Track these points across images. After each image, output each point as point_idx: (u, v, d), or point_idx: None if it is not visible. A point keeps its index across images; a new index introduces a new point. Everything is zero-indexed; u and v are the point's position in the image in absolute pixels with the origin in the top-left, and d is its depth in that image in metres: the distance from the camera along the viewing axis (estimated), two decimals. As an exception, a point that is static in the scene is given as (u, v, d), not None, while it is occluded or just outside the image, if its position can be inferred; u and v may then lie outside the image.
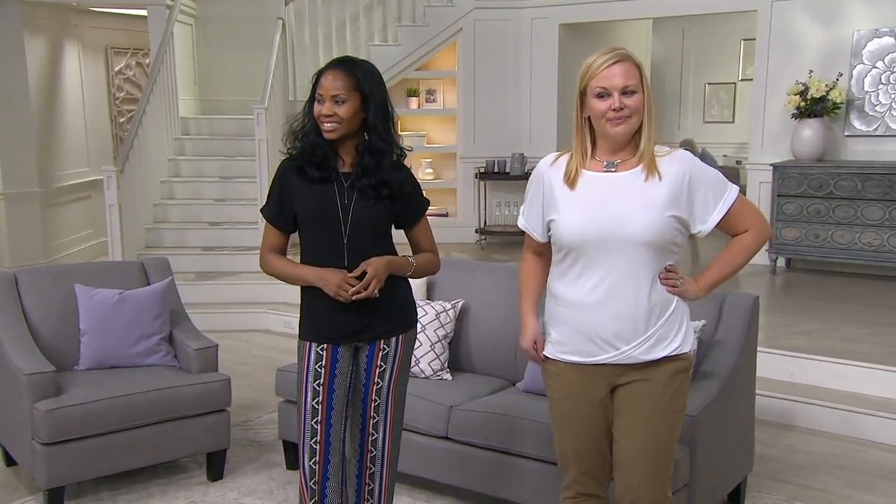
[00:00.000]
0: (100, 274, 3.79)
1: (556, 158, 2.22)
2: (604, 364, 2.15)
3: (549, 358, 2.25)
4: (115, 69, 9.11)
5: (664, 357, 2.13)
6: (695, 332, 2.90)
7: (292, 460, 3.63)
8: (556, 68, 7.65)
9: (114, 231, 6.17)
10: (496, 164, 7.67)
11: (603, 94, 2.05)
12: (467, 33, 7.77)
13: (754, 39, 6.92)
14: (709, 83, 9.96)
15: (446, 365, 3.49)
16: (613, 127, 2.06)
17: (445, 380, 3.44)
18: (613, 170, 2.11)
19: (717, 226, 2.14)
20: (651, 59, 9.32)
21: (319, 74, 2.31)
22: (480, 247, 7.79)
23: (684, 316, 2.18)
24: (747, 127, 8.97)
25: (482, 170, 7.74)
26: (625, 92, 2.04)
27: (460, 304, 3.58)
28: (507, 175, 7.65)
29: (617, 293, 2.09)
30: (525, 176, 7.54)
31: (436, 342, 3.45)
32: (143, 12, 7.70)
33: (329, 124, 2.26)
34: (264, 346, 5.66)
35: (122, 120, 9.24)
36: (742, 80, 9.65)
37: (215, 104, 8.38)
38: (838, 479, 3.50)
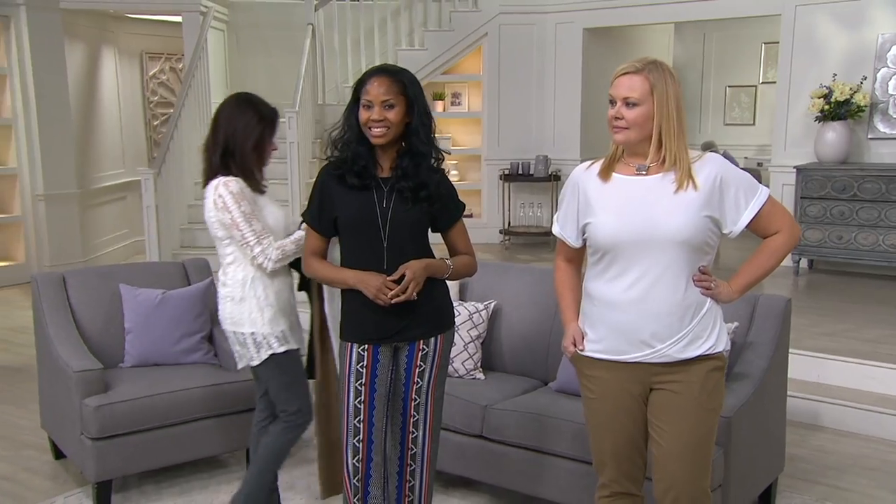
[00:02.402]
0: (143, 274, 3.82)
1: (591, 165, 2.25)
2: (639, 363, 2.15)
3: (584, 357, 2.24)
4: (150, 74, 9.20)
5: (698, 356, 2.13)
6: (728, 333, 2.88)
7: (329, 456, 3.65)
8: (579, 72, 7.63)
9: (151, 231, 6.22)
10: (520, 167, 7.66)
11: (611, 102, 2.11)
12: (492, 38, 7.76)
13: (775, 43, 6.86)
14: (730, 86, 9.88)
15: (479, 364, 3.49)
16: (614, 134, 2.12)
17: (478, 379, 3.44)
18: (644, 173, 2.11)
19: (748, 227, 2.13)
20: (673, 63, 9.26)
21: (363, 83, 2.30)
22: (504, 247, 7.78)
23: (718, 315, 2.18)
24: (768, 129, 8.90)
25: (506, 172, 7.73)
26: (627, 103, 2.07)
27: (493, 304, 3.57)
28: (531, 177, 7.63)
29: (652, 292, 2.10)
30: (548, 178, 7.54)
31: (469, 342, 3.45)
32: (178, 19, 7.75)
33: (378, 129, 2.26)
34: (296, 344, 5.68)
35: (155, 123, 9.32)
36: (763, 83, 9.57)
37: (246, 108, 8.43)
38: (869, 479, 3.46)
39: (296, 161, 6.73)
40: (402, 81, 2.27)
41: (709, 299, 2.14)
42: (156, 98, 9.31)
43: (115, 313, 3.62)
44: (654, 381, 2.17)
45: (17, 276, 7.52)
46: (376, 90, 2.25)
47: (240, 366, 2.84)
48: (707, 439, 2.18)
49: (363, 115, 2.28)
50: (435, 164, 2.36)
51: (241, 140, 2.72)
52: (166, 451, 3.33)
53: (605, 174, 2.17)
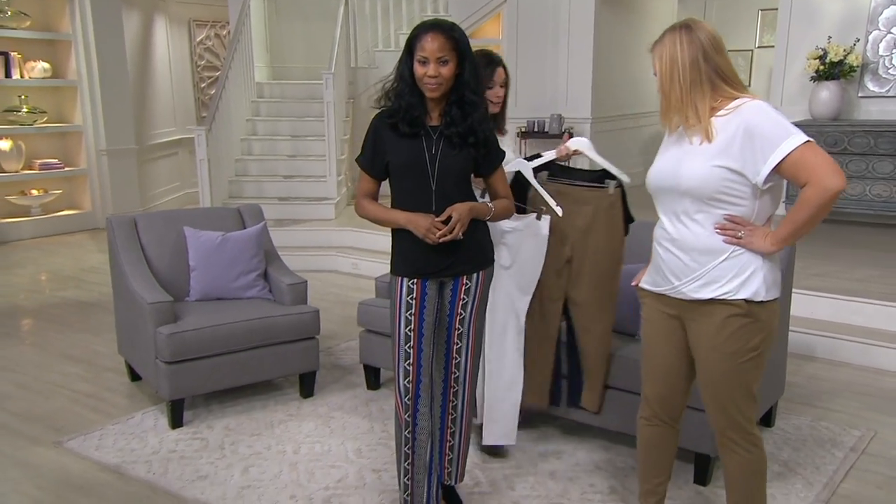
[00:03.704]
0: (204, 218, 3.81)
1: None
2: (666, 295, 2.11)
3: (639, 287, 2.24)
4: (197, 40, 9.09)
5: (713, 299, 2.00)
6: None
7: (372, 381, 3.68)
8: (591, 37, 7.42)
9: (204, 182, 6.21)
10: (536, 124, 7.53)
11: None
12: (511, 4, 7.57)
13: (771, 9, 6.64)
14: (728, 50, 9.59)
15: (508, 299, 3.48)
16: None
17: (508, 312, 3.43)
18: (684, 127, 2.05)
19: (783, 176, 1.94)
20: (676, 28, 9.03)
21: (417, 38, 2.21)
22: (521, 198, 7.71)
23: (749, 264, 1.98)
24: (763, 90, 8.69)
25: (524, 129, 7.61)
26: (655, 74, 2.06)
27: (520, 246, 3.54)
28: (545, 134, 7.51)
29: (673, 233, 2.05)
30: (562, 134, 7.41)
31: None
32: (223, -12, 7.62)
33: (433, 84, 2.20)
34: (335, 285, 5.70)
35: (202, 85, 9.24)
36: (759, 47, 9.32)
37: (285, 70, 8.34)
38: (857, 402, 3.45)
39: (332, 119, 6.67)
40: (455, 38, 2.20)
41: (737, 247, 1.99)
42: (202, 62, 9.21)
43: (181, 253, 3.63)
44: (683, 317, 2.11)
45: (85, 222, 7.57)
46: (431, 46, 2.17)
47: None
48: (726, 380, 2.04)
49: (419, 70, 2.20)
50: (485, 113, 2.30)
51: None
52: (229, 374, 3.36)
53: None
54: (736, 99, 1.99)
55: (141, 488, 2.80)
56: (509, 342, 2.88)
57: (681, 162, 2.01)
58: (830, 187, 1.87)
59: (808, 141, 1.89)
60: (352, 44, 7.71)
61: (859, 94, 6.14)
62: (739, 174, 1.95)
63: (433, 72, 2.18)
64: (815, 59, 6.00)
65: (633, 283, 2.28)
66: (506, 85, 2.87)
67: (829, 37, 6.02)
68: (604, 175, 2.82)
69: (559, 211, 2.79)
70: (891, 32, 5.95)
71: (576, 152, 2.84)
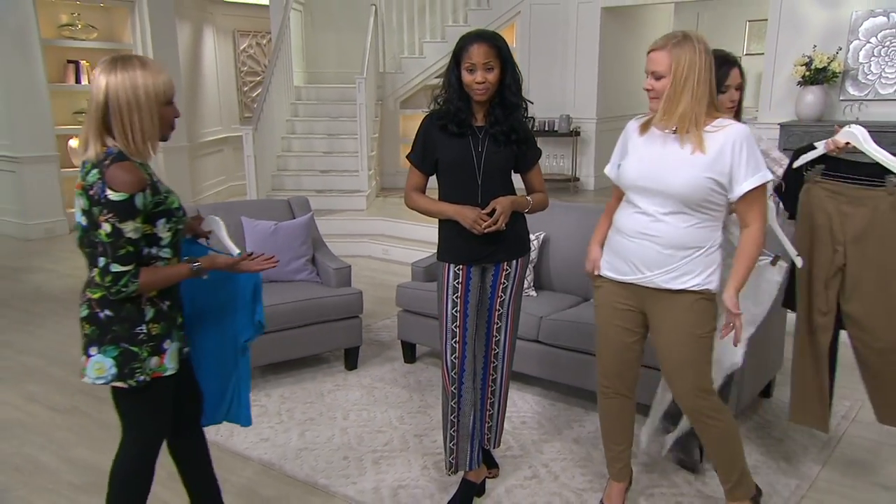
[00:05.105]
0: (258, 209, 3.82)
1: (640, 119, 2.14)
2: (632, 283, 2.09)
3: (596, 274, 2.21)
4: (240, 48, 9.04)
5: (682, 289, 2.01)
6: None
7: (409, 355, 3.68)
8: (597, 45, 7.36)
9: (251, 176, 6.21)
10: (546, 124, 7.48)
11: (646, 74, 2.01)
12: (524, 15, 7.49)
13: (759, 20, 6.53)
14: (718, 57, 9.49)
15: (532, 284, 3.47)
16: (650, 102, 2.01)
17: (532, 296, 3.42)
18: (673, 131, 2.00)
19: (739, 201, 1.94)
20: (671, 37, 8.91)
21: (463, 48, 2.18)
22: (531, 191, 7.66)
23: (716, 261, 2.03)
24: (752, 94, 8.58)
25: (535, 128, 7.54)
26: (655, 77, 1.96)
27: (542, 235, 3.53)
28: (555, 132, 7.46)
29: (650, 229, 2.02)
30: (570, 133, 7.37)
31: (523, 265, 3.41)
32: (265, 1, 7.58)
33: (481, 89, 2.17)
34: (369, 269, 5.70)
35: (245, 89, 9.21)
36: (747, 54, 9.18)
37: (320, 75, 8.30)
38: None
39: (363, 119, 6.63)
40: (498, 46, 2.17)
41: (705, 245, 2.00)
42: (245, 68, 9.18)
43: (239, 239, 3.62)
44: (646, 304, 2.10)
45: (143, 212, 7.57)
46: (478, 54, 2.14)
47: None
48: (696, 358, 2.05)
49: (467, 77, 2.17)
50: (525, 113, 2.28)
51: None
52: (283, 348, 3.38)
53: (644, 128, 2.08)
54: (717, 119, 1.96)
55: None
56: None
57: (672, 168, 1.97)
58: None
59: (771, 181, 1.93)
60: (380, 51, 7.66)
61: (841, 98, 6.04)
62: (723, 187, 1.95)
63: (480, 78, 2.15)
64: (802, 65, 5.91)
65: (589, 269, 2.23)
66: (741, 88, 2.37)
67: (815, 45, 5.93)
68: (883, 170, 2.21)
69: (799, 262, 2.37)
70: (869, 42, 5.85)
71: (847, 145, 2.26)
